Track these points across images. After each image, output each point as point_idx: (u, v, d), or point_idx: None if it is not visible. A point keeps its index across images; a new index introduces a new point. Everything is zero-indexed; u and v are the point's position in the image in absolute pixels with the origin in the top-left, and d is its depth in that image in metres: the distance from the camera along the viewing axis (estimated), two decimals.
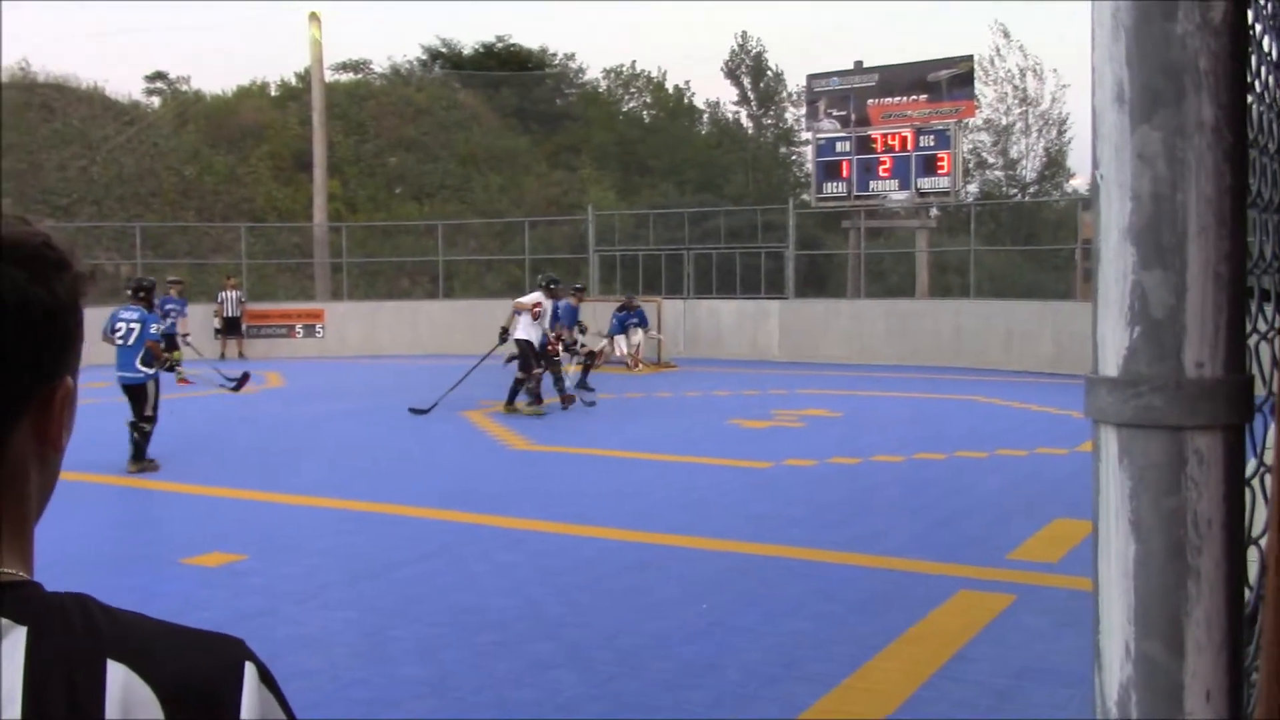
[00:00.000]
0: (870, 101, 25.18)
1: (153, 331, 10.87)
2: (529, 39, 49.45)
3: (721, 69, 49.87)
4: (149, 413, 10.82)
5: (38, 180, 31.07)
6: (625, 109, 49.82)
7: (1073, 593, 6.48)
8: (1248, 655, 1.03)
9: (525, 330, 14.91)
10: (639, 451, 12.01)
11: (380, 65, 46.23)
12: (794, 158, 48.29)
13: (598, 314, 23.73)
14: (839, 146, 25.52)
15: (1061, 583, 6.68)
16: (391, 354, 25.53)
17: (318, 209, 30.36)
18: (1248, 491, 0.86)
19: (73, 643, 0.86)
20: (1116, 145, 0.71)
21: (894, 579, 6.82)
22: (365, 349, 25.43)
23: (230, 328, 25.54)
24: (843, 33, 62.23)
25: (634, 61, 50.53)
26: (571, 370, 16.99)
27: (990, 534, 8.04)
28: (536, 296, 15.31)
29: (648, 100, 50.67)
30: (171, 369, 10.82)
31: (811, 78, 26.55)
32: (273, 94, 42.27)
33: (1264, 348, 1.20)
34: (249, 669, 0.93)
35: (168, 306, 20.24)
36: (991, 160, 43.62)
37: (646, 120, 49.13)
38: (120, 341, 10.86)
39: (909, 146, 24.54)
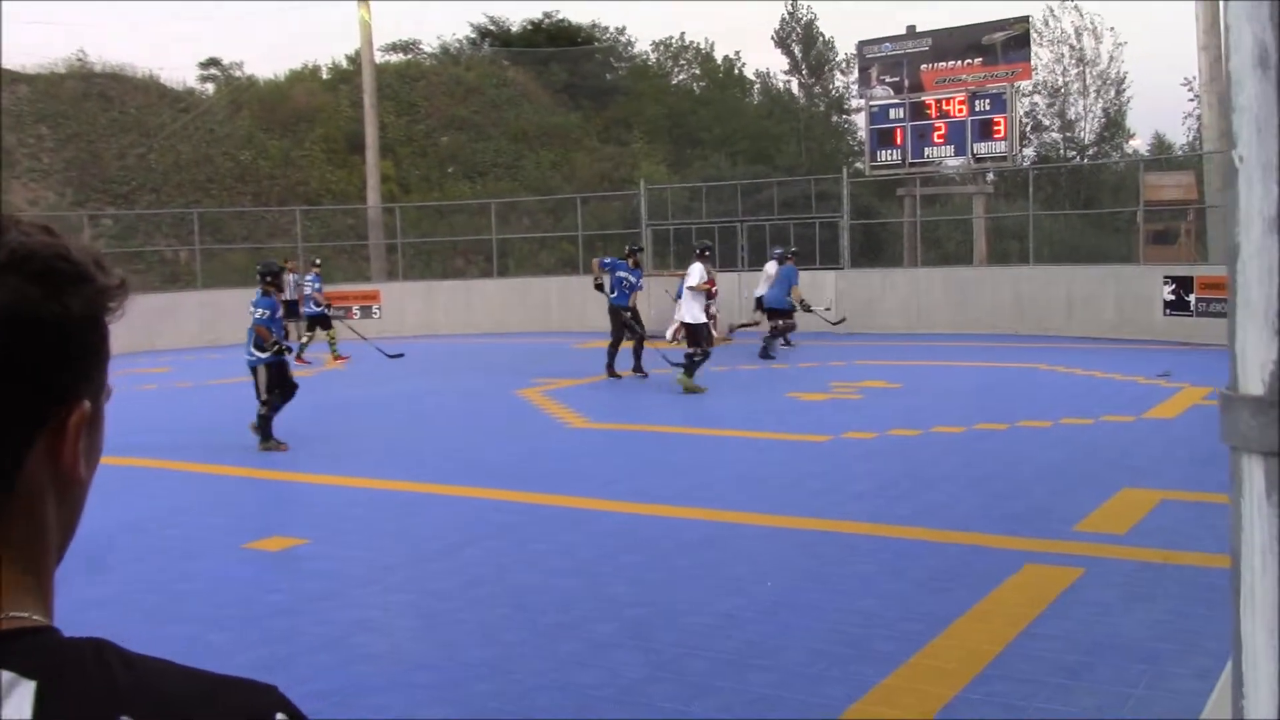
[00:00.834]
0: (923, 66, 24.81)
1: (258, 316, 10.97)
2: (577, 14, 49.27)
3: (772, 38, 49.46)
4: (263, 396, 10.91)
5: (98, 170, 31.46)
6: (675, 81, 49.53)
7: (1142, 565, 6.35)
8: None
9: (694, 311, 14.90)
10: (697, 427, 11.95)
11: (430, 45, 46.32)
12: (847, 125, 47.80)
13: (652, 291, 23.68)
14: (892, 113, 25.19)
15: (1130, 554, 6.54)
16: (447, 333, 25.62)
17: (371, 190, 30.50)
18: None
19: (86, 698, 0.79)
20: (1259, 119, 0.57)
21: (959, 553, 6.72)
22: (422, 329, 25.53)
23: (290, 311, 25.69)
24: None
25: (683, 33, 50.21)
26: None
27: (1055, 505, 7.90)
28: (702, 271, 15.18)
29: (697, 72, 50.36)
30: (280, 354, 10.91)
31: (863, 44, 26.20)
32: (324, 77, 42.45)
33: None
34: None
35: (318, 285, 20.58)
36: (1048, 123, 42.93)
37: (697, 92, 48.79)
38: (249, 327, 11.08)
39: (964, 111, 24.16)
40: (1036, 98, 41.61)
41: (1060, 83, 42.04)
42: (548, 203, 33.17)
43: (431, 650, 5.37)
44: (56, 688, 0.78)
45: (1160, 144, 40.43)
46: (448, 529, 7.75)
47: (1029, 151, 40.09)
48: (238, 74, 42.17)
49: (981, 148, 24.10)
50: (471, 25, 46.94)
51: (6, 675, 0.78)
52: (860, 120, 33.17)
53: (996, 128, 23.89)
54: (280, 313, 11.28)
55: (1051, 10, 41.00)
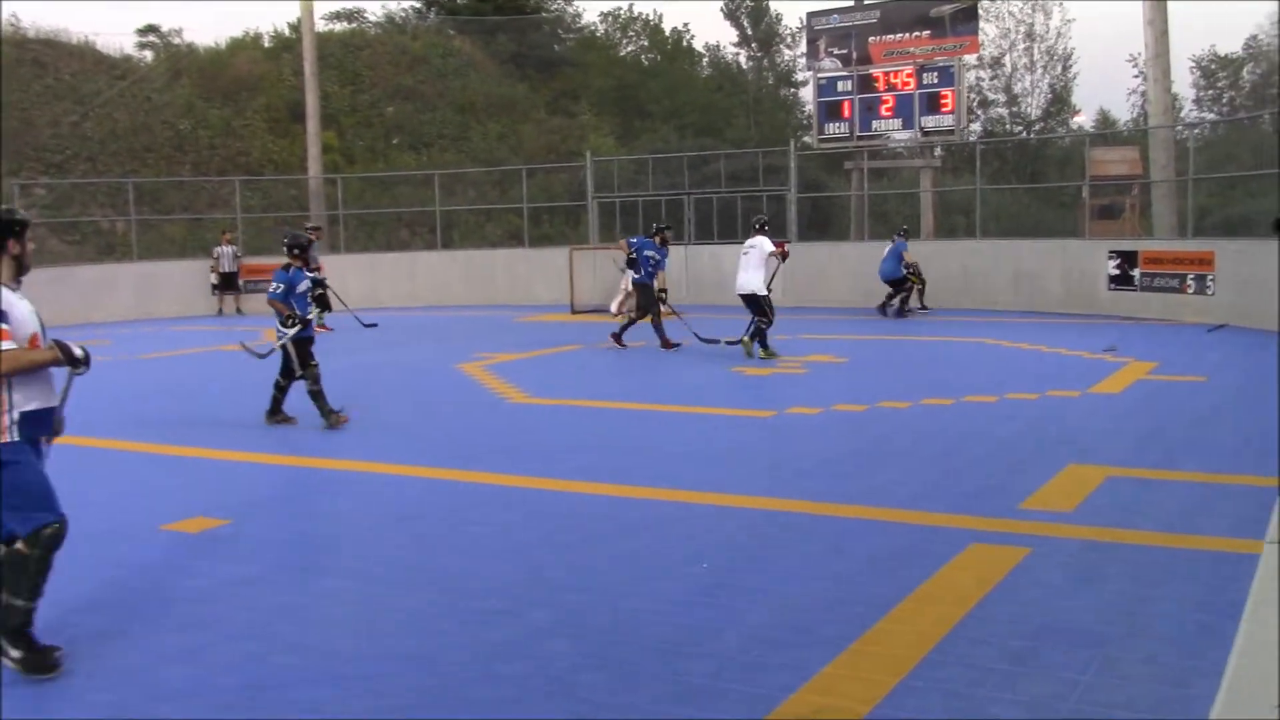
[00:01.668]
0: (871, 39, 24.67)
1: (272, 290, 10.53)
2: None
3: (721, 10, 49.15)
4: (299, 372, 10.45)
5: (31, 138, 30.64)
6: (623, 53, 49.11)
7: (1089, 543, 6.23)
8: None
9: (757, 281, 14.74)
10: (640, 403, 11.74)
11: (375, 14, 45.55)
12: (795, 99, 47.64)
13: (598, 263, 23.44)
14: (840, 86, 25.05)
15: (1077, 533, 6.42)
16: (391, 305, 25.23)
17: (313, 161, 29.95)
18: None
19: None
20: None
21: (905, 533, 6.56)
22: (365, 301, 25.05)
23: (227, 283, 25.23)
24: None
25: (631, 4, 49.71)
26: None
27: (1002, 482, 7.78)
28: (766, 241, 14.98)
29: (645, 44, 49.96)
30: (293, 326, 10.45)
31: (811, 15, 26.02)
32: (266, 45, 41.66)
33: None
34: None
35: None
36: (995, 98, 43.02)
37: (645, 64, 48.41)
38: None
39: (912, 85, 24.06)
40: (984, 72, 41.68)
41: (1008, 58, 42.12)
42: (494, 174, 32.76)
43: (357, 639, 5.13)
44: None
45: (1105, 120, 40.63)
46: (378, 510, 7.49)
47: (976, 126, 40.16)
48: (177, 41, 41.31)
49: (929, 121, 24.02)
50: None
51: None
52: (808, 94, 33.04)
53: (944, 101, 23.81)
54: (302, 286, 10.67)
55: None
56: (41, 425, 4.90)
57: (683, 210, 25.50)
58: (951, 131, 24.43)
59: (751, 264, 14.81)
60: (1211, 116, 36.95)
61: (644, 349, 16.13)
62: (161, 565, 6.29)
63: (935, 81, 23.88)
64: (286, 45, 39.55)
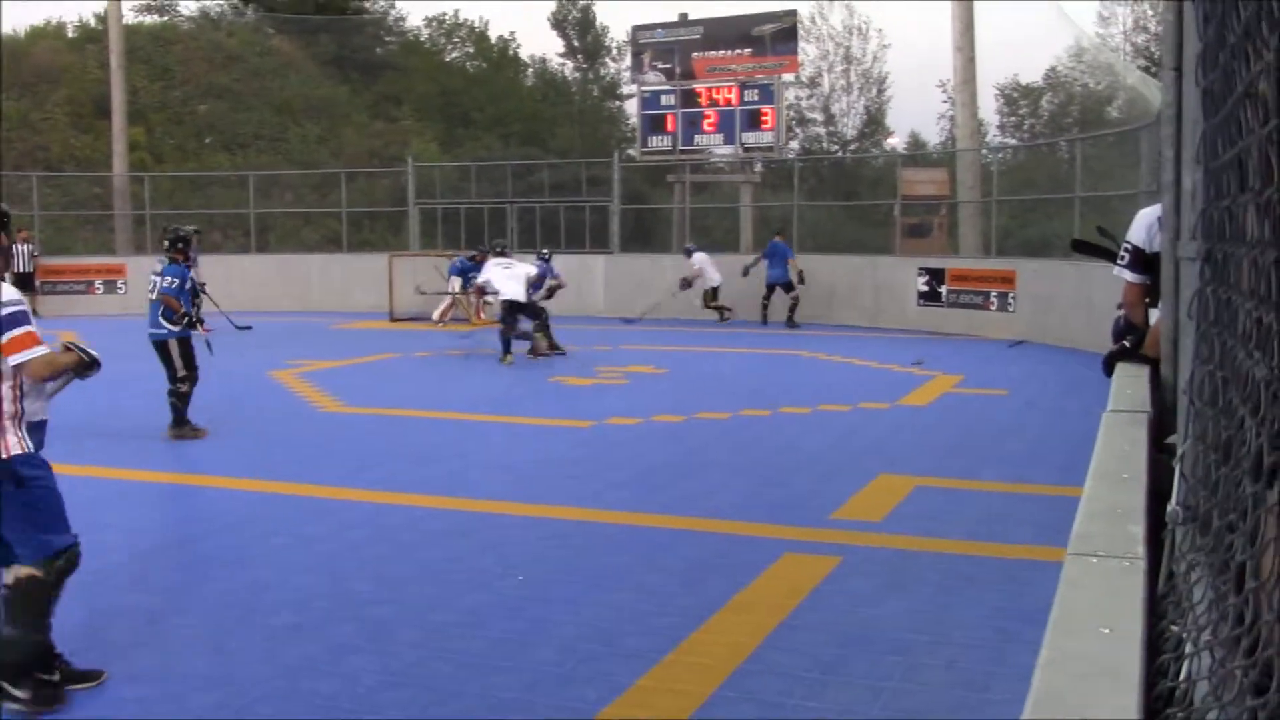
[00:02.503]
0: (695, 55, 24.99)
1: (166, 285, 9.91)
2: None
3: (548, 20, 49.06)
4: (182, 373, 9.95)
5: None
6: (448, 59, 48.55)
7: (896, 552, 6.36)
8: None
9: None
10: (456, 412, 11.54)
11: (188, 8, 43.91)
12: (619, 111, 47.91)
13: (418, 268, 23.07)
14: (664, 100, 25.28)
15: (886, 542, 6.55)
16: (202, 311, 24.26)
17: (118, 158, 28.68)
18: None
19: None
20: None
21: (718, 543, 6.58)
22: None
23: (22, 284, 23.81)
24: None
25: (456, 10, 49.11)
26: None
27: (815, 492, 7.89)
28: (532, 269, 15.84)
29: (471, 51, 49.49)
30: (192, 325, 9.92)
31: (637, 29, 26.21)
32: (70, 35, 39.73)
33: None
34: None
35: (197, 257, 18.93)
36: (813, 117, 44.11)
37: (470, 71, 47.97)
38: (152, 296, 9.99)
39: (734, 101, 24.43)
40: (802, 91, 42.69)
41: (826, 79, 43.27)
42: (312, 178, 31.90)
43: (148, 659, 4.85)
44: None
45: (916, 142, 42.04)
46: (175, 521, 7.16)
47: (794, 144, 41.08)
48: None
49: (750, 137, 24.43)
50: None
51: None
52: (632, 106, 33.26)
53: (764, 119, 24.25)
54: (190, 283, 10.20)
55: (821, 9, 42.13)
56: (40, 438, 4.57)
57: (506, 219, 25.32)
58: (771, 148, 24.90)
59: (517, 277, 15.58)
60: (1013, 142, 38.66)
61: (466, 357, 15.91)
62: None
63: (756, 99, 24.30)
64: (92, 36, 37.77)
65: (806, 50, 40.02)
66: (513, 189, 26.62)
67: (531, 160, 30.56)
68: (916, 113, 60.35)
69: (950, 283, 19.91)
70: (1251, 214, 1.30)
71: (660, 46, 25.45)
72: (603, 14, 49.11)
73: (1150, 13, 34.58)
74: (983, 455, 9.35)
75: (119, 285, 24.81)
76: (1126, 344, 4.29)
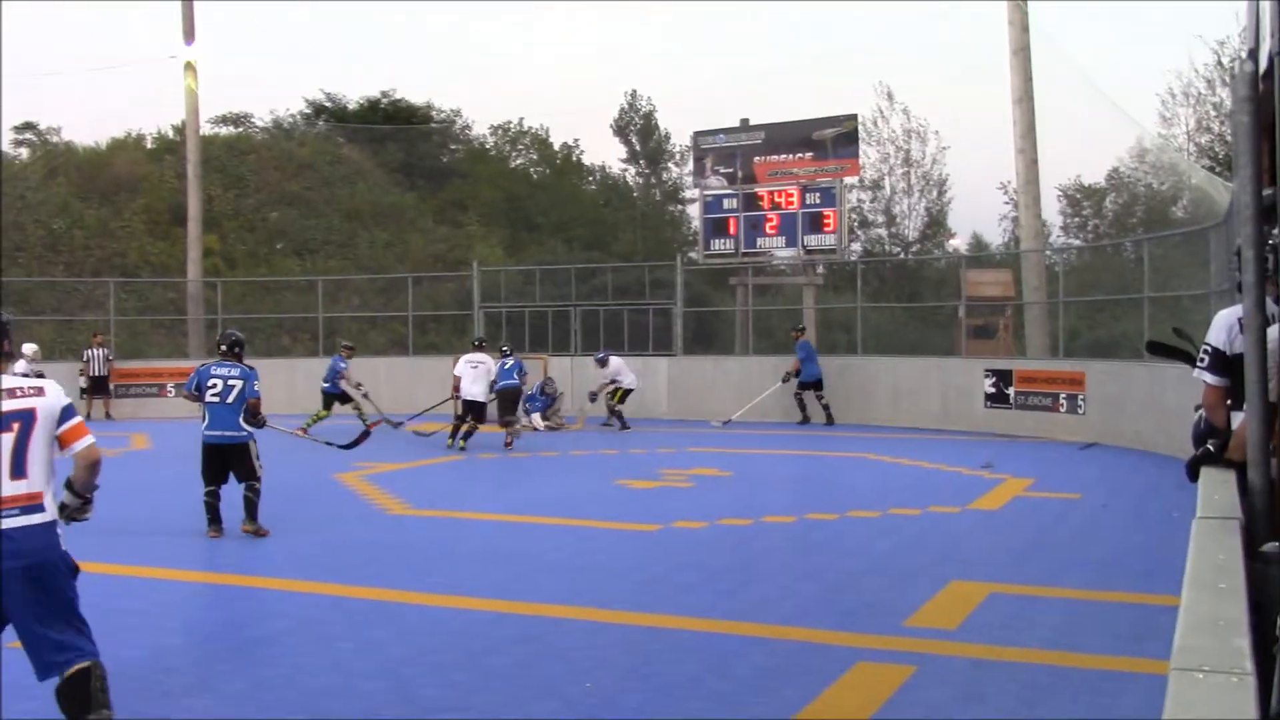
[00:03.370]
0: (756, 159, 25.21)
1: (255, 389, 10.23)
2: (414, 95, 48.64)
3: (610, 126, 49.94)
4: (259, 472, 10.22)
5: None
6: (512, 165, 49.48)
7: (974, 661, 6.18)
8: None
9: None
10: (521, 515, 11.50)
11: (262, 119, 45.27)
12: (681, 215, 48.41)
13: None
14: (726, 203, 25.48)
15: (962, 651, 6.37)
16: (269, 413, 24.54)
17: (192, 264, 29.36)
18: None
19: None
20: None
21: (789, 651, 6.44)
22: None
23: (97, 387, 24.43)
24: (730, 90, 63.03)
25: (521, 119, 50.12)
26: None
27: (886, 599, 7.73)
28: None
29: (534, 157, 50.43)
30: (261, 426, 10.34)
31: (698, 134, 26.53)
32: (149, 147, 41.07)
33: None
34: None
35: (340, 366, 20.36)
36: (874, 219, 44.28)
37: (534, 177, 48.82)
38: (215, 399, 10.16)
39: (795, 204, 24.58)
40: (864, 194, 42.94)
41: (887, 181, 43.49)
42: (379, 282, 32.45)
43: None
44: None
45: (979, 243, 42.01)
46: (241, 624, 7.14)
47: (856, 246, 41.21)
48: (54, 139, 40.49)
49: (812, 240, 24.51)
50: (306, 100, 46.11)
51: None
52: (694, 210, 33.55)
53: (826, 221, 24.34)
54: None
55: (881, 111, 42.52)
56: None
57: (570, 321, 25.52)
58: (833, 250, 24.95)
59: (481, 376, 16.97)
60: (1078, 242, 38.47)
61: (530, 459, 15.92)
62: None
63: (818, 201, 24.43)
64: (169, 147, 39.01)
65: (867, 153, 40.36)
66: (576, 292, 26.87)
67: (594, 264, 30.88)
68: (977, 214, 60.47)
69: (1018, 384, 19.69)
70: None
71: (722, 151, 25.74)
72: (664, 120, 49.94)
73: (1214, 113, 34.47)
74: (1058, 561, 9.13)
75: None
76: (1211, 448, 4.18)
